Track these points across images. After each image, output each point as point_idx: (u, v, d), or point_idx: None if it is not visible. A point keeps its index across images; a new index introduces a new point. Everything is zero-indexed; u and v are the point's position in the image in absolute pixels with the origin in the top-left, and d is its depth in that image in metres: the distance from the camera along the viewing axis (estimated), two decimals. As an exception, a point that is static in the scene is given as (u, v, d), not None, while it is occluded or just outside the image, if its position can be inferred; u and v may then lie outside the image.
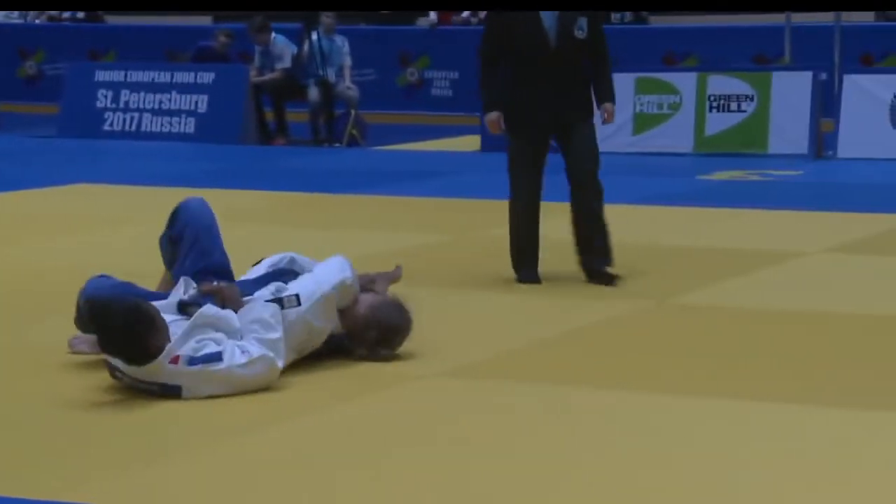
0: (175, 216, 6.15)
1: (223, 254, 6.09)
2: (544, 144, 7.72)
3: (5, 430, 5.04)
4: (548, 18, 7.44)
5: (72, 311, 5.85)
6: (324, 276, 5.81)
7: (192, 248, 6.02)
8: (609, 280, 7.55)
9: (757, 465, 4.57)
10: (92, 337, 5.62)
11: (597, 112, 7.76)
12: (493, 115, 7.70)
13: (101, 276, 6.08)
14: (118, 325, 5.17)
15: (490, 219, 10.20)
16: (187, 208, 6.15)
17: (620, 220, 10.18)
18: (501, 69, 7.68)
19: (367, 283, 6.12)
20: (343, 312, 5.81)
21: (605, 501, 4.27)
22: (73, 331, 5.86)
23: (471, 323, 6.77)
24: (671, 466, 4.59)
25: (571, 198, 7.76)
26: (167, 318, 5.46)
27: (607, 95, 7.74)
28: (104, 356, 5.37)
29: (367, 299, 5.91)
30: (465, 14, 19.13)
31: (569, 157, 7.67)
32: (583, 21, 7.50)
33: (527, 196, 7.75)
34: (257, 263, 6.17)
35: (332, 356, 5.83)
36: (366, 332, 5.82)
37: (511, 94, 7.62)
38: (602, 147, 14.38)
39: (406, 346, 5.95)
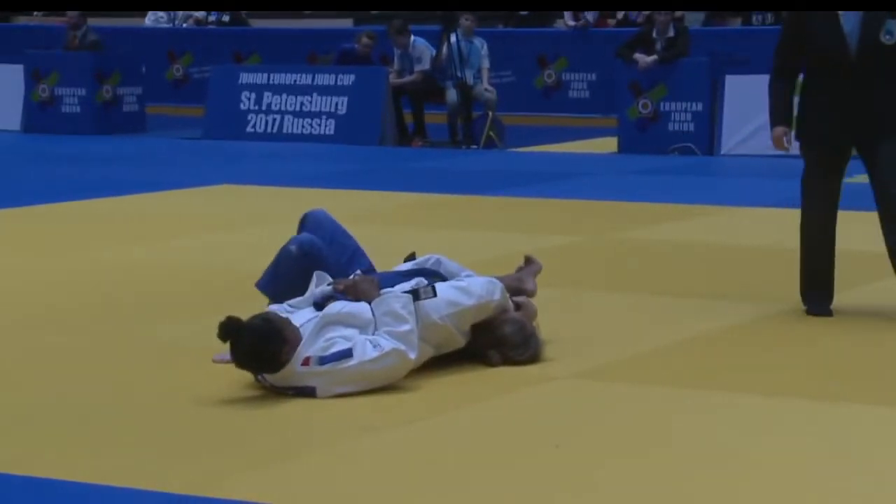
0: (304, 223, 6.28)
1: (359, 249, 6.20)
2: (843, 161, 6.79)
3: (147, 425, 5.14)
4: (849, 22, 6.56)
5: (217, 305, 5.96)
6: (472, 288, 5.83)
7: (330, 247, 6.14)
8: None
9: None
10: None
11: None
12: (779, 131, 6.85)
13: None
14: (249, 344, 5.28)
15: (625, 220, 10.20)
16: (317, 215, 6.29)
17: (760, 222, 10.06)
18: (791, 81, 6.90)
19: (516, 284, 6.18)
20: (480, 326, 5.81)
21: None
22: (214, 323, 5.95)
23: (603, 324, 6.74)
24: (795, 468, 4.59)
25: (882, 229, 6.82)
26: (304, 315, 5.55)
27: None
28: None
29: (505, 321, 5.89)
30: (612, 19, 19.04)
31: (874, 179, 6.78)
32: (892, 24, 6.55)
33: (821, 215, 6.85)
34: (406, 260, 6.22)
35: (466, 358, 5.82)
36: (493, 349, 5.82)
37: (807, 106, 6.78)
38: (741, 150, 14.30)
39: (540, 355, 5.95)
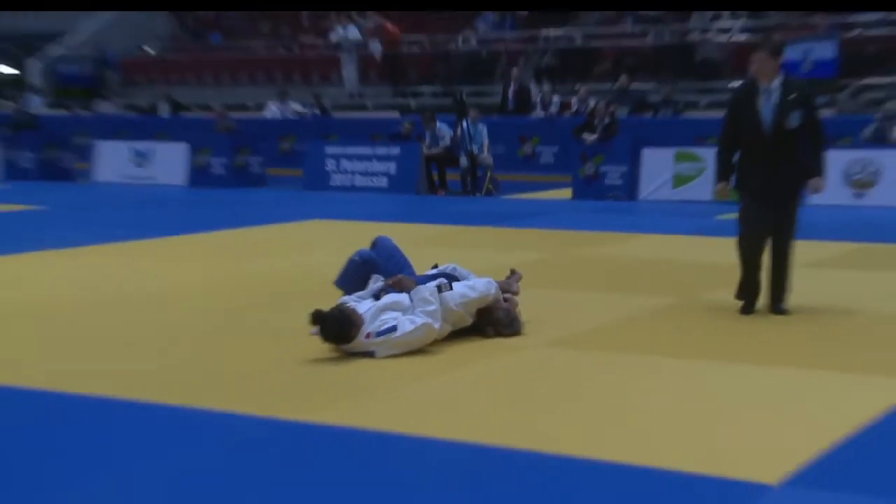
0: (374, 243, 6.29)
1: (407, 262, 6.22)
2: (767, 206, 6.41)
3: (273, 373, 5.16)
4: (765, 111, 6.28)
5: (310, 300, 5.92)
6: (477, 286, 5.83)
7: (388, 260, 6.15)
8: (783, 312, 6.49)
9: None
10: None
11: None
12: (721, 185, 6.54)
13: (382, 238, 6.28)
14: (331, 326, 5.34)
15: (577, 243, 10.21)
16: (384, 239, 6.30)
17: (664, 244, 10.15)
18: (731, 151, 6.50)
19: (506, 285, 6.17)
20: (481, 311, 5.80)
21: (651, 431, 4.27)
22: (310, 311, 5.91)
23: (562, 311, 6.71)
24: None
25: (770, 255, 6.52)
26: (366, 304, 5.56)
27: (815, 171, 6.34)
28: None
29: (499, 310, 5.85)
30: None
31: (773, 230, 6.44)
32: (795, 114, 6.24)
33: (752, 239, 6.46)
34: (433, 267, 6.22)
35: (471, 333, 5.82)
36: (489, 326, 5.82)
37: (741, 166, 6.46)
38: (652, 197, 14.34)
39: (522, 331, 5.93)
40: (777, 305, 6.50)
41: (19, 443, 4.15)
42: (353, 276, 6.08)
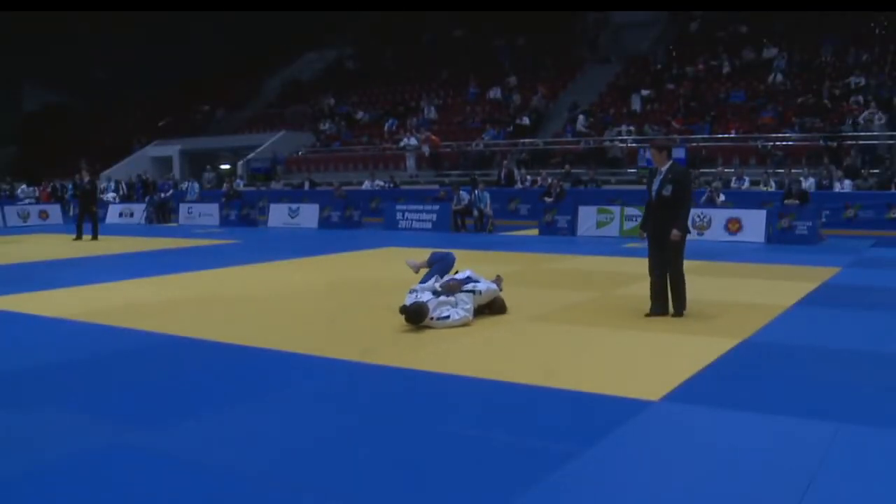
0: (446, 254, 6.15)
1: (450, 265, 6.14)
2: (655, 246, 5.83)
3: (357, 333, 5.13)
4: (655, 185, 5.75)
5: (388, 297, 6.01)
6: (489, 286, 5.81)
7: (441, 261, 6.03)
8: (680, 316, 5.74)
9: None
10: (417, 262, 5.80)
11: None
12: (642, 231, 6.01)
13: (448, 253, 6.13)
14: (411, 315, 5.28)
15: (541, 261, 9.98)
16: (450, 253, 6.18)
17: (592, 262, 9.86)
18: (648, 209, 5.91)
19: (496, 283, 6.02)
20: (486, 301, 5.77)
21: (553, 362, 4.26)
22: (395, 300, 5.82)
23: (534, 299, 6.60)
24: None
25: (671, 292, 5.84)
26: (428, 295, 5.48)
27: (675, 225, 5.68)
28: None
29: (496, 300, 5.79)
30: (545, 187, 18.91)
31: (663, 260, 5.80)
32: (668, 187, 5.65)
33: (655, 266, 5.84)
34: (455, 272, 6.10)
35: (479, 315, 5.75)
36: (488, 309, 5.74)
37: (644, 219, 5.97)
38: (585, 233, 14.25)
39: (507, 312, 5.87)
40: (677, 311, 5.82)
41: (235, 376, 4.17)
42: (431, 260, 5.99)
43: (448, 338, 5.07)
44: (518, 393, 3.80)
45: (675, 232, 5.75)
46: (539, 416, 3.45)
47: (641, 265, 6.97)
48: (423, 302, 5.34)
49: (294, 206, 17.86)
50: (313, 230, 16.86)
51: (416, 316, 5.25)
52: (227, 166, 26.09)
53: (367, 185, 20.64)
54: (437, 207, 16.09)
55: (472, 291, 5.50)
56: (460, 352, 4.69)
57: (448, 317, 5.30)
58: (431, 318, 5.29)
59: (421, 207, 16.24)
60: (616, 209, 14.19)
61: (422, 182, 21.98)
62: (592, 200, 15.03)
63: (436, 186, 19.28)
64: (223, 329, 5.28)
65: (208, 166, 24.48)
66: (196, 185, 21.25)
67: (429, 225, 15.96)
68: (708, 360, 4.36)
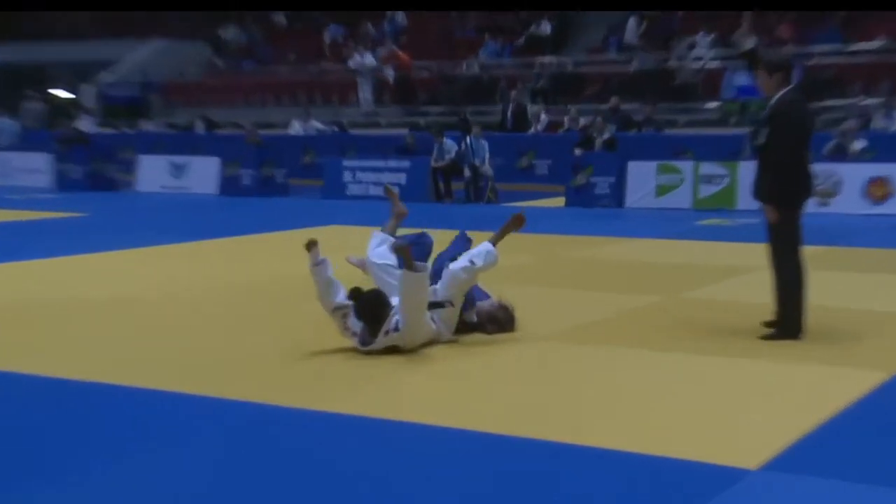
0: (419, 237, 6.17)
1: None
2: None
3: (293, 364, 5.08)
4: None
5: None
6: (480, 299, 5.79)
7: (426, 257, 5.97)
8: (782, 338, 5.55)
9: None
10: (362, 259, 5.79)
11: None
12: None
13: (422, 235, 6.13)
14: (366, 304, 5.18)
15: (569, 246, 10.13)
16: (425, 235, 6.25)
17: (649, 248, 10.10)
18: None
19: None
20: (480, 312, 5.69)
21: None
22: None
23: (554, 308, 6.67)
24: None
25: None
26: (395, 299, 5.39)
27: (769, 195, 5.53)
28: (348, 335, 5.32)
29: (490, 305, 5.73)
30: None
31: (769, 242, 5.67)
32: (763, 132, 5.50)
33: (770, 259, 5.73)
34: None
35: (476, 333, 5.76)
36: (489, 324, 5.72)
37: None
38: (637, 204, 14.42)
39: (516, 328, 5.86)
40: (781, 331, 5.63)
41: (47, 428, 4.08)
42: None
43: (419, 365, 5.01)
44: (533, 455, 3.74)
45: (767, 207, 5.44)
46: (564, 494, 3.32)
47: (732, 253, 6.92)
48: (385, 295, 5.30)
49: (179, 159, 17.70)
50: (211, 198, 16.80)
51: (373, 308, 5.13)
52: (64, 93, 25.07)
53: (296, 127, 20.52)
54: (406, 164, 16.08)
55: (440, 305, 5.36)
56: (438, 389, 4.61)
57: (396, 328, 5.14)
58: (387, 332, 5.20)
59: (382, 164, 16.24)
60: (686, 166, 14.22)
61: (383, 124, 22.00)
62: (650, 153, 15.10)
63: (404, 131, 19.17)
64: (54, 358, 5.24)
65: (31, 92, 23.44)
66: (10, 124, 20.38)
67: (394, 191, 15.92)
68: (837, 407, 4.29)
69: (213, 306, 6.83)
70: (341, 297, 5.29)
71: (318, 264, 5.16)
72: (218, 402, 4.41)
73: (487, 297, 5.91)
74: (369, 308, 5.08)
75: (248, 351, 5.44)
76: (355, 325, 5.24)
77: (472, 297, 5.73)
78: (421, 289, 5.06)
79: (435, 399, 4.48)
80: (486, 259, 5.52)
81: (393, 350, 5.22)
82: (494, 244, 5.69)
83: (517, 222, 5.72)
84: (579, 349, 5.52)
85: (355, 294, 5.15)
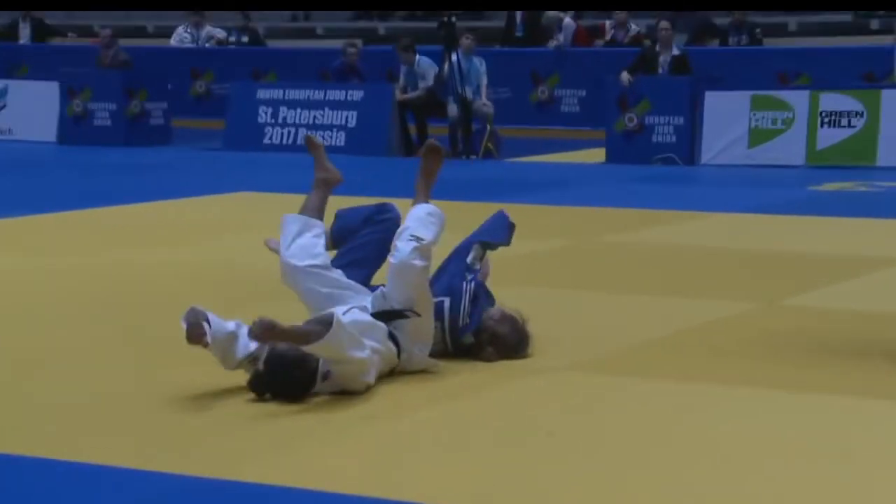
0: (379, 209, 6.22)
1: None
2: None
3: (176, 412, 5.13)
4: None
5: (232, 301, 5.93)
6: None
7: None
8: None
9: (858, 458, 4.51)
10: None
11: None
12: None
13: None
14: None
15: (612, 225, 10.17)
16: (386, 205, 6.28)
17: (736, 227, 10.15)
18: None
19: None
20: (481, 329, 5.74)
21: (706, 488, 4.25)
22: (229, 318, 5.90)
23: (591, 322, 6.72)
24: (763, 456, 4.55)
25: None
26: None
27: None
28: None
29: (489, 318, 5.77)
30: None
31: None
32: None
33: None
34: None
35: (463, 357, 5.77)
36: (489, 346, 5.73)
37: None
38: (718, 160, 14.44)
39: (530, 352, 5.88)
40: None
41: None
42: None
43: (390, 410, 5.07)
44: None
45: None
46: None
47: (867, 237, 6.87)
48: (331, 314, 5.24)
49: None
50: (47, 147, 16.82)
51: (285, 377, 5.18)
52: None
53: (180, 35, 20.65)
54: (357, 95, 16.20)
55: (400, 315, 5.44)
56: (415, 443, 4.73)
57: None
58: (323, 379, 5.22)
59: (320, 94, 16.36)
60: (799, 99, 14.32)
61: (321, 33, 21.85)
62: (740, 78, 14.98)
63: (351, 43, 19.15)
64: None
65: None
66: None
67: (339, 138, 16.10)
68: None
69: (51, 324, 6.80)
70: (243, 345, 5.32)
71: (208, 344, 5.21)
72: (89, 470, 4.44)
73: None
74: (280, 379, 5.12)
75: (113, 394, 5.44)
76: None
77: (478, 308, 5.77)
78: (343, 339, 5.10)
79: (401, 461, 4.49)
80: (431, 227, 5.60)
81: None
82: (426, 198, 5.85)
83: (432, 156, 6.05)
84: (623, 383, 5.55)
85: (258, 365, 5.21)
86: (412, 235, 5.54)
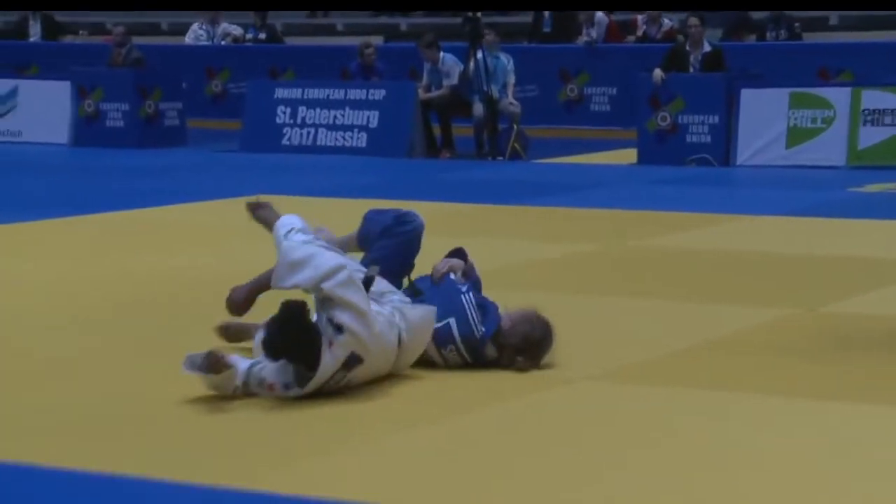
0: (401, 216, 6.23)
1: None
2: None
3: (188, 422, 5.15)
4: None
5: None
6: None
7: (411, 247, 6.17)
8: None
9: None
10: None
11: None
12: None
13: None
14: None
15: (644, 229, 10.15)
16: (410, 213, 6.27)
17: (773, 230, 10.12)
18: None
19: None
20: (506, 332, 5.74)
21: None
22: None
23: (621, 329, 6.71)
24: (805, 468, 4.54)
25: None
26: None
27: None
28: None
29: (512, 315, 5.79)
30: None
31: None
32: None
33: None
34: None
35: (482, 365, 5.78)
36: (516, 357, 5.72)
37: None
38: (755, 160, 14.40)
39: (554, 351, 5.87)
40: None
41: None
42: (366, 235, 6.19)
43: (403, 416, 5.03)
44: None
45: None
46: None
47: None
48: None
49: (2, 84, 17.88)
50: (59, 150, 16.87)
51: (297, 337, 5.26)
52: None
53: (195, 33, 20.76)
54: (379, 94, 16.22)
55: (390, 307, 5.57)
56: (421, 459, 4.70)
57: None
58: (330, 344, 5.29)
59: (340, 93, 16.38)
60: (840, 96, 14.31)
61: (341, 30, 21.99)
62: (778, 74, 15.06)
63: (376, 39, 19.19)
64: None
65: None
66: None
67: (360, 139, 16.12)
68: None
69: (67, 330, 6.83)
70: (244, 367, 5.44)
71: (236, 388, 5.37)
72: (94, 480, 4.46)
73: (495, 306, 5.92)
74: (293, 337, 5.19)
75: (127, 402, 5.49)
76: (270, 373, 5.34)
77: (489, 313, 5.78)
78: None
79: (405, 476, 4.50)
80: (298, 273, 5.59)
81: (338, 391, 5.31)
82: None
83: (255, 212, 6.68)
84: (654, 394, 5.54)
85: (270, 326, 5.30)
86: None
